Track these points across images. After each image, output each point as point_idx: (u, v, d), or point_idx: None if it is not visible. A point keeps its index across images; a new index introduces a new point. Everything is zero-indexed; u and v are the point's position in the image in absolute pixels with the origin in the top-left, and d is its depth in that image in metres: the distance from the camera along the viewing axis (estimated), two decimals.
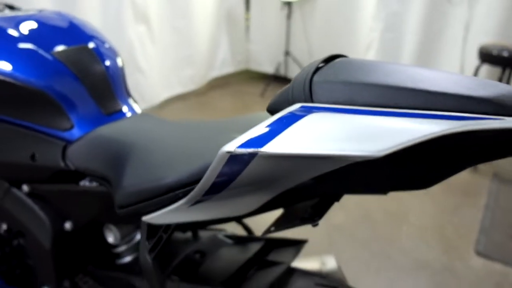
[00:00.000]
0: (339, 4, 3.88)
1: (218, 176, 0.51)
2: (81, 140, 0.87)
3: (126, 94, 1.03)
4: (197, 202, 0.59)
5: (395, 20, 3.63)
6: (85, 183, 0.89)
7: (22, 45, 0.92)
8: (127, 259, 1.04)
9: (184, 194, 0.60)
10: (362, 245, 1.97)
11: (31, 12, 1.04)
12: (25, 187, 0.96)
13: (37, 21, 0.99)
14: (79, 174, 0.88)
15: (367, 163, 0.43)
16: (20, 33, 0.93)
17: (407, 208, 2.28)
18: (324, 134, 0.44)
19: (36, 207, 0.97)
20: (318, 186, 0.59)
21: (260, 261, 0.87)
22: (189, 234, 1.04)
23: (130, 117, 0.97)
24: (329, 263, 1.12)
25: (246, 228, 1.09)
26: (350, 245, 1.97)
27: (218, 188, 0.54)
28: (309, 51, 4.18)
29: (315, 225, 0.66)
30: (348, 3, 3.82)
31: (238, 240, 0.97)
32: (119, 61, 1.04)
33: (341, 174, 0.51)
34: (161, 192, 0.64)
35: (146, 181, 0.66)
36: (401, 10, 3.58)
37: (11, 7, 1.36)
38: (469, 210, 2.28)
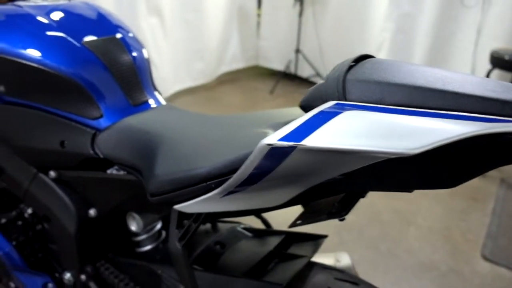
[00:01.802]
0: (351, 3, 3.89)
1: (255, 168, 0.52)
2: (111, 129, 0.89)
3: (151, 86, 1.04)
4: (229, 192, 0.60)
5: (406, 21, 3.62)
6: (112, 171, 0.91)
7: (53, 34, 0.93)
8: (148, 247, 1.06)
9: (217, 185, 0.61)
10: (370, 244, 1.99)
11: (60, 2, 1.05)
12: (52, 173, 0.98)
13: (67, 10, 1.01)
14: (107, 162, 0.90)
15: (397, 160, 0.45)
16: (51, 22, 0.95)
17: (416, 210, 2.29)
18: (359, 131, 0.46)
19: (62, 193, 0.99)
20: (347, 182, 0.61)
21: (280, 254, 0.88)
22: (208, 225, 1.06)
23: (156, 108, 0.98)
24: (344, 260, 1.13)
25: (264, 221, 1.10)
26: (359, 244, 1.98)
27: (253, 180, 0.55)
28: (320, 49, 4.19)
29: (341, 219, 0.68)
30: (359, 2, 3.82)
31: (257, 233, 0.98)
32: (145, 53, 1.05)
33: (370, 171, 0.52)
34: (194, 181, 0.65)
35: (180, 170, 0.68)
36: (413, 11, 3.58)
37: None
38: (477, 215, 2.28)
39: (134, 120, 0.89)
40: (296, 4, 4.15)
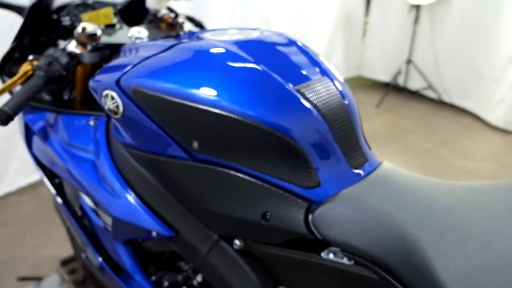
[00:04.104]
0: (479, 8, 3.44)
1: None
2: (334, 203, 0.69)
3: (364, 138, 0.83)
4: None
5: None
6: (329, 255, 0.70)
7: (261, 76, 0.75)
8: None
9: None
10: None
11: (253, 33, 0.87)
12: (237, 243, 0.80)
13: (267, 44, 0.83)
14: (320, 243, 0.71)
15: None
16: (255, 61, 0.77)
17: None
18: None
19: (246, 267, 0.81)
20: None
21: None
22: None
23: (381, 172, 0.77)
24: None
25: None
26: None
27: None
28: (435, 60, 3.79)
29: None
30: (491, 8, 3.37)
31: None
32: (352, 95, 0.85)
33: None
34: None
35: None
36: None
37: (191, 19, 1.24)
38: None
39: (366, 193, 0.69)
40: (412, 10, 3.79)
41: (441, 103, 3.87)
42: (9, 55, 1.11)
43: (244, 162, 0.74)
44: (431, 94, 3.94)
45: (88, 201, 1.01)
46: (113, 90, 0.81)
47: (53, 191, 1.10)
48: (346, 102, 0.79)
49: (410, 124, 3.64)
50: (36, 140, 1.07)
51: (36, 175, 2.38)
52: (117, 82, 0.81)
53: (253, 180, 0.74)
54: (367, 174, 0.75)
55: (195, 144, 0.76)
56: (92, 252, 1.07)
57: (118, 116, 0.83)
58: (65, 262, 1.73)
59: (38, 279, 1.69)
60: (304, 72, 0.79)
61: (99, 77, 0.88)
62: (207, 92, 0.73)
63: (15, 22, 1.30)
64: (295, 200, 0.71)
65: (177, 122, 0.76)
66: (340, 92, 0.80)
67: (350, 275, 0.67)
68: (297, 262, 0.74)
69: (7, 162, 2.28)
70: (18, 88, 1.01)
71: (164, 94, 0.76)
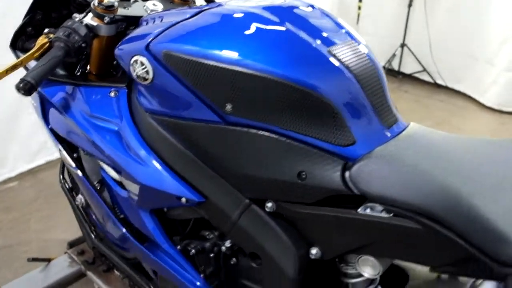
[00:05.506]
0: None
1: None
2: (371, 159, 0.70)
3: (391, 99, 0.85)
4: None
5: None
6: (366, 210, 0.72)
7: (296, 40, 0.76)
8: None
9: None
10: None
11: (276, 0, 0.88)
12: (269, 205, 0.81)
13: (294, 10, 0.84)
14: (358, 199, 0.72)
15: None
16: (288, 25, 0.78)
17: None
18: None
19: (279, 229, 0.82)
20: None
21: None
22: None
23: (413, 130, 0.79)
24: None
25: None
26: None
27: None
28: (429, 44, 3.82)
29: None
30: None
31: None
32: (376, 59, 0.87)
33: None
34: None
35: None
36: None
37: None
38: None
39: (400, 150, 0.71)
40: None
41: (435, 86, 3.92)
42: (21, 30, 1.10)
43: (279, 122, 0.75)
44: (425, 77, 3.97)
45: (111, 172, 1.01)
46: (143, 55, 0.81)
47: (72, 164, 1.09)
48: (374, 64, 0.81)
49: (406, 106, 3.67)
50: (54, 113, 1.06)
51: (37, 160, 2.36)
52: (147, 47, 0.81)
53: (288, 140, 0.75)
54: (398, 133, 0.78)
55: (229, 107, 0.76)
56: (113, 224, 1.07)
57: (147, 82, 0.83)
58: (72, 244, 1.72)
59: (48, 260, 1.68)
60: (333, 35, 0.81)
61: (125, 45, 0.87)
62: (242, 54, 0.74)
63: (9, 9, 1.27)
64: (331, 158, 0.72)
65: (210, 85, 0.76)
66: (367, 55, 0.82)
67: (390, 227, 0.68)
68: (332, 219, 0.75)
69: (7, 147, 2.25)
70: (32, 63, 1.00)
71: (196, 57, 0.76)
